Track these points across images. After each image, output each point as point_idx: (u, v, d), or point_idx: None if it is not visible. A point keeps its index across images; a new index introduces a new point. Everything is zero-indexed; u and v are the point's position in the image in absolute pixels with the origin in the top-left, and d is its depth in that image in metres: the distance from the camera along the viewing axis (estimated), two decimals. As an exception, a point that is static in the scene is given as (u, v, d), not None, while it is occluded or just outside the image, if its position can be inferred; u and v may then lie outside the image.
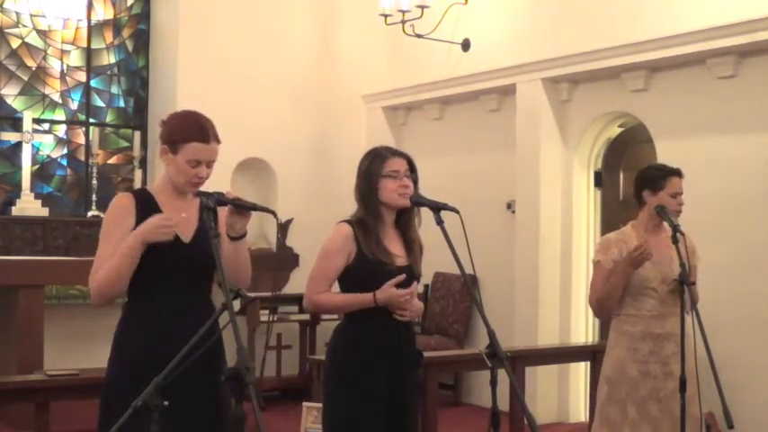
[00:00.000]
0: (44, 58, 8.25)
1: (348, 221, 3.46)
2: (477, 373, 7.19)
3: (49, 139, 8.25)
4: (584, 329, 7.24)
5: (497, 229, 7.58)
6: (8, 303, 6.05)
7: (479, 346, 3.01)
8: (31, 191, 7.84)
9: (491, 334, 2.89)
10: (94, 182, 8.10)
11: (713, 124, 6.26)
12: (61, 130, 8.34)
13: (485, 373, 2.91)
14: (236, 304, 2.53)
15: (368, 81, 8.70)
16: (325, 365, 3.58)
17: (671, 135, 6.48)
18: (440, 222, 3.14)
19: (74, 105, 8.38)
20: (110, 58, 8.54)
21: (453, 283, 7.92)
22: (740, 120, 6.11)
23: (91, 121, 8.39)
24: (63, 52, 8.36)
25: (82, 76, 8.41)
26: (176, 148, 2.93)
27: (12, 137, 7.97)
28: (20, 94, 8.13)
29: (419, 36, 7.84)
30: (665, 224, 4.08)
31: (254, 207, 2.93)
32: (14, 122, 8.00)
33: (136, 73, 8.64)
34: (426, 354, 4.26)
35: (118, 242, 2.89)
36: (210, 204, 2.75)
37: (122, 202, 2.97)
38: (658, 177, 4.17)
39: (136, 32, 8.63)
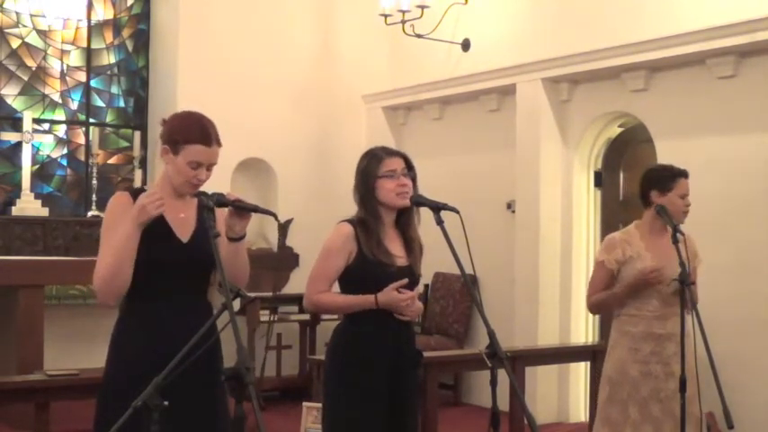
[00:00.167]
0: (44, 58, 8.25)
1: (349, 221, 3.46)
2: (477, 373, 7.19)
3: (49, 139, 8.25)
4: (584, 329, 7.24)
5: (497, 229, 7.58)
6: (8, 303, 6.05)
7: (479, 346, 3.01)
8: (31, 191, 7.84)
9: (491, 334, 2.89)
10: (94, 182, 8.10)
11: (713, 124, 6.26)
12: (61, 130, 8.34)
13: (485, 373, 2.91)
14: (236, 304, 2.53)
15: (368, 81, 8.70)
16: (325, 365, 3.58)
17: (671, 135, 6.48)
18: (440, 222, 3.14)
19: (74, 105, 8.38)
20: (110, 58, 8.54)
21: (453, 283, 7.92)
22: (740, 120, 6.11)
23: (91, 121, 8.39)
24: (63, 52, 8.36)
25: (82, 76, 8.41)
26: (177, 148, 2.92)
27: (12, 137, 7.97)
28: (20, 94, 8.14)
29: (419, 36, 7.84)
30: (675, 224, 4.07)
31: (256, 209, 2.93)
32: (14, 122, 8.00)
33: (136, 73, 8.64)
34: (426, 354, 4.26)
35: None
36: (210, 204, 2.75)
37: (121, 201, 2.97)
38: (667, 178, 4.17)
39: (136, 32, 8.63)
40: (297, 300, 7.66)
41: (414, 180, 3.48)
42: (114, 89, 8.56)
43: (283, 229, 8.27)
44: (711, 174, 6.06)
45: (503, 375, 2.81)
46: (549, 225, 7.21)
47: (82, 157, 8.34)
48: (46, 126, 8.23)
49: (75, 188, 8.35)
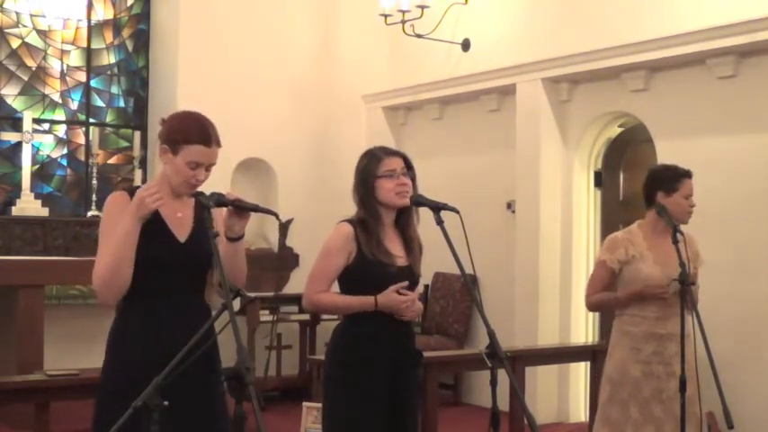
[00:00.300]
0: (44, 58, 8.25)
1: (349, 221, 3.46)
2: (477, 373, 7.19)
3: (49, 139, 8.25)
4: (584, 329, 7.24)
5: (497, 229, 7.58)
6: (8, 303, 6.05)
7: (479, 346, 3.00)
8: (31, 191, 7.84)
9: (491, 334, 2.89)
10: (94, 182, 8.10)
11: (713, 124, 6.26)
12: (61, 130, 8.35)
13: (485, 373, 2.91)
14: (236, 304, 2.52)
15: (368, 81, 8.70)
16: (324, 365, 3.58)
17: (671, 135, 6.48)
18: (440, 222, 3.14)
19: (74, 105, 8.38)
20: (110, 58, 8.54)
21: (453, 283, 7.92)
22: (740, 120, 6.11)
23: (91, 121, 8.39)
24: (63, 52, 8.36)
25: (82, 76, 8.41)
26: (177, 148, 2.91)
27: (12, 137, 7.97)
28: (20, 94, 8.14)
29: (419, 36, 7.84)
30: (674, 224, 4.07)
31: (256, 208, 2.92)
32: (14, 122, 8.00)
33: (136, 73, 8.64)
34: (426, 354, 4.26)
35: None
36: (210, 204, 2.74)
37: (118, 200, 2.96)
38: (673, 179, 4.18)
39: (136, 32, 8.63)
40: (297, 300, 7.65)
41: (413, 180, 3.48)
42: (114, 89, 8.56)
43: (283, 229, 8.27)
44: (711, 174, 6.06)
45: (503, 375, 2.81)
46: (549, 225, 7.21)
47: (82, 157, 8.34)
48: (46, 126, 8.23)
49: (75, 188, 8.35)
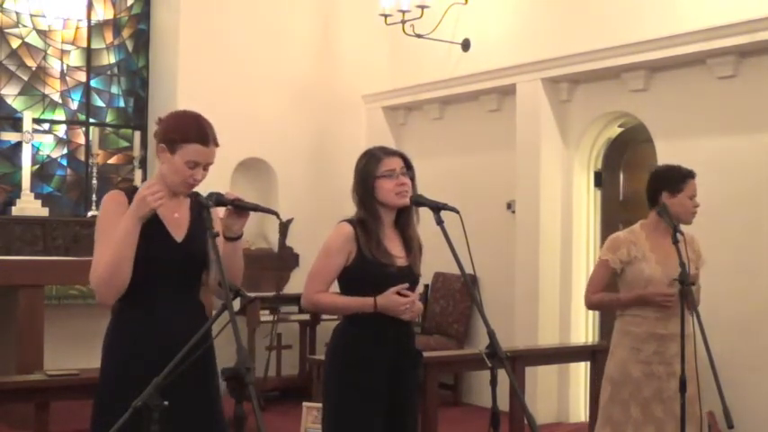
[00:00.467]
0: (44, 58, 8.25)
1: (349, 221, 3.46)
2: (477, 373, 7.19)
3: (49, 139, 8.25)
4: (584, 329, 7.24)
5: (497, 229, 7.58)
6: (8, 303, 6.05)
7: (479, 346, 3.01)
8: (31, 191, 7.84)
9: (491, 334, 2.89)
10: (94, 182, 8.11)
11: (713, 124, 6.26)
12: (61, 130, 8.35)
13: (485, 373, 2.92)
14: (236, 304, 2.52)
15: (368, 81, 8.70)
16: (324, 365, 3.58)
17: (671, 135, 6.48)
18: (440, 222, 3.14)
19: (74, 105, 8.38)
20: (110, 58, 8.54)
21: (453, 283, 7.92)
22: (740, 120, 6.11)
23: (91, 121, 8.40)
24: (63, 52, 8.36)
25: (82, 76, 8.41)
26: (174, 147, 2.91)
27: (12, 137, 7.97)
28: (20, 94, 8.14)
29: (419, 36, 7.84)
30: (674, 224, 4.07)
31: (256, 208, 2.92)
32: (14, 122, 8.00)
33: (136, 73, 8.64)
34: (426, 354, 4.26)
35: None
36: (209, 204, 2.74)
37: (115, 199, 2.95)
38: (678, 179, 4.18)
39: (136, 32, 8.64)
40: (297, 300, 7.57)
41: (412, 179, 3.48)
42: (114, 89, 8.56)
43: (283, 228, 8.27)
44: (711, 174, 6.05)
45: (503, 375, 2.81)
46: (549, 225, 7.21)
47: (82, 157, 8.34)
48: (46, 126, 8.23)
49: (75, 188, 8.35)
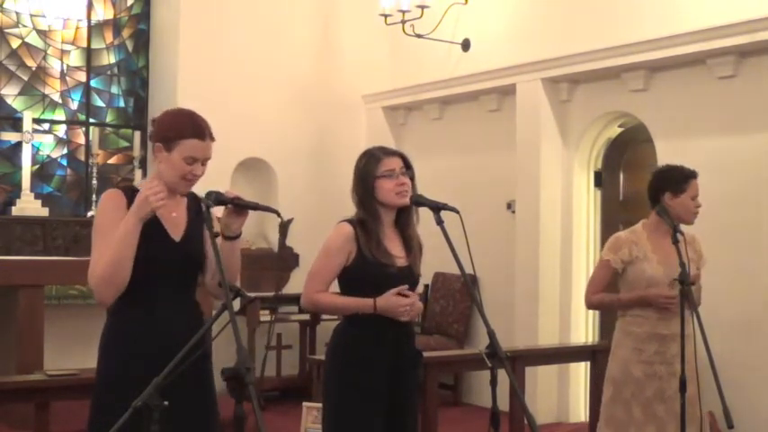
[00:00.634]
0: (44, 58, 8.25)
1: (349, 221, 3.46)
2: (477, 373, 7.19)
3: (49, 139, 8.25)
4: (584, 329, 7.24)
5: (497, 229, 7.58)
6: (8, 303, 6.05)
7: (479, 346, 3.01)
8: (31, 191, 7.84)
9: (491, 334, 2.89)
10: (94, 182, 8.10)
11: (713, 124, 6.26)
12: (61, 130, 8.35)
13: (485, 373, 2.92)
14: (236, 304, 2.52)
15: (368, 81, 8.71)
16: (325, 365, 3.58)
17: (671, 135, 6.48)
18: (440, 222, 3.14)
19: (74, 105, 8.38)
20: (110, 58, 8.54)
21: (453, 283, 7.92)
22: (740, 120, 6.11)
23: (91, 121, 8.40)
24: (63, 52, 8.36)
25: (82, 76, 8.41)
26: (171, 145, 2.90)
27: (12, 137, 7.97)
28: (20, 94, 8.14)
29: (419, 36, 7.84)
30: (675, 225, 4.07)
31: (256, 206, 2.91)
32: (14, 122, 8.00)
33: (136, 73, 8.64)
34: (426, 354, 4.26)
35: (114, 236, 2.84)
36: (211, 204, 2.74)
37: (113, 198, 2.94)
38: (681, 180, 4.18)
39: (136, 32, 8.64)
40: (297, 300, 7.52)
41: (412, 179, 3.48)
42: (114, 89, 8.56)
43: (283, 229, 8.27)
44: (711, 174, 6.04)
45: (503, 375, 2.81)
46: (549, 225, 7.21)
47: (82, 157, 8.34)
48: (46, 126, 8.23)
49: (75, 188, 8.35)
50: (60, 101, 8.31)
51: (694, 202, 4.19)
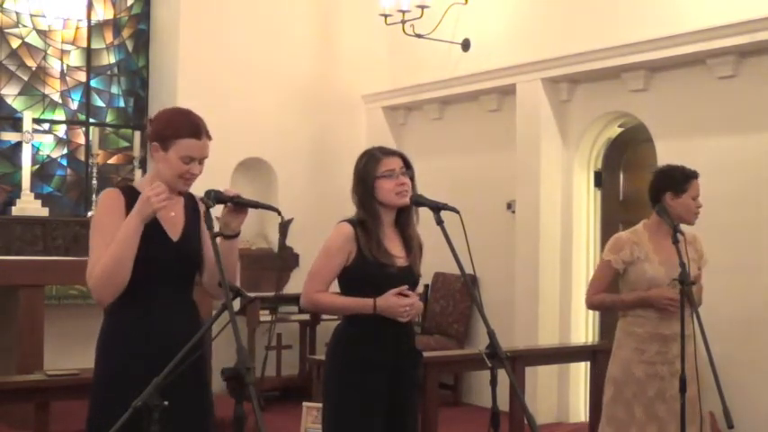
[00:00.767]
0: (44, 58, 8.25)
1: (349, 221, 3.46)
2: (477, 373, 7.19)
3: (49, 139, 8.24)
4: (584, 329, 7.24)
5: (497, 229, 7.58)
6: (8, 303, 6.05)
7: (479, 346, 3.01)
8: (31, 191, 7.84)
9: (491, 334, 2.89)
10: (94, 182, 8.10)
11: (713, 124, 6.26)
12: (61, 130, 8.34)
13: (485, 373, 2.92)
14: (236, 304, 2.52)
15: (368, 81, 8.71)
16: (325, 365, 3.58)
17: (671, 135, 6.48)
18: (440, 222, 3.14)
19: (74, 105, 8.38)
20: (110, 58, 8.54)
21: (453, 283, 7.92)
22: (740, 120, 6.11)
23: (91, 121, 8.39)
24: (63, 52, 8.36)
25: (82, 76, 8.41)
26: (168, 144, 2.90)
27: (12, 137, 7.96)
28: (20, 94, 8.13)
29: (419, 36, 7.84)
30: (675, 224, 4.07)
31: (257, 204, 2.90)
32: (14, 122, 8.00)
33: (136, 73, 8.64)
34: (426, 354, 4.26)
35: (114, 235, 2.83)
36: (211, 204, 2.73)
37: (112, 196, 2.94)
38: (681, 180, 4.17)
39: (136, 32, 8.63)
40: (297, 300, 7.52)
41: (412, 179, 3.48)
42: (114, 89, 8.56)
43: (283, 229, 8.27)
44: (711, 173, 6.03)
45: (503, 375, 2.81)
46: (549, 225, 7.21)
47: (82, 157, 8.34)
48: (46, 126, 8.23)
49: (75, 188, 8.35)
50: (60, 101, 8.31)
51: (695, 203, 4.20)
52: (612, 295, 4.27)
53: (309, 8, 8.63)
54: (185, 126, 2.91)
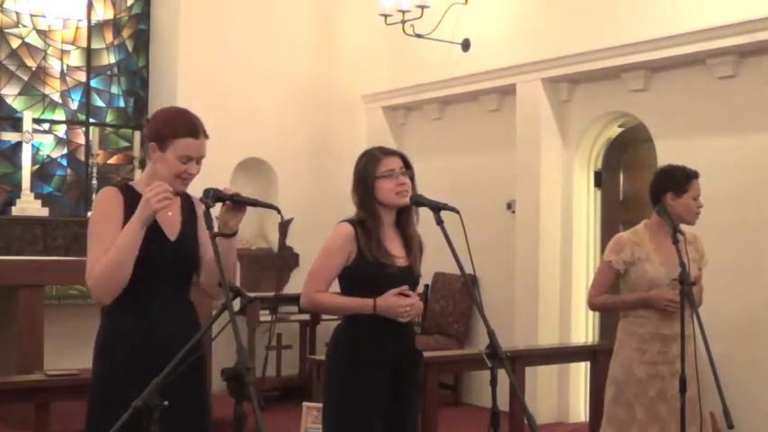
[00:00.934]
0: (44, 58, 8.25)
1: (350, 221, 3.46)
2: (477, 373, 7.19)
3: (49, 139, 8.24)
4: (584, 329, 7.24)
5: (497, 229, 7.58)
6: (8, 303, 6.05)
7: (479, 346, 3.01)
8: (31, 191, 7.84)
9: (491, 334, 2.89)
10: (94, 182, 8.10)
11: (713, 124, 6.26)
12: (61, 130, 8.34)
13: (485, 373, 2.92)
14: (236, 304, 2.52)
15: (368, 81, 8.71)
16: (325, 365, 3.58)
17: (671, 135, 6.48)
18: (440, 222, 3.14)
19: (74, 105, 8.38)
20: (110, 58, 8.54)
21: (453, 283, 7.92)
22: (740, 120, 6.11)
23: (91, 121, 8.39)
24: (63, 52, 8.36)
25: (82, 76, 8.41)
26: (165, 144, 2.89)
27: (12, 137, 7.96)
28: (20, 94, 8.13)
29: (419, 36, 7.84)
30: (675, 224, 4.07)
31: (256, 203, 2.89)
32: (14, 122, 8.00)
33: (136, 73, 8.64)
34: (426, 354, 4.26)
35: (112, 234, 2.83)
36: (212, 204, 2.73)
37: (109, 195, 2.94)
38: (682, 180, 4.18)
39: (136, 32, 8.63)
40: (297, 300, 7.53)
41: (412, 179, 3.48)
42: (114, 89, 8.56)
43: (283, 229, 8.27)
44: (711, 173, 6.03)
45: (503, 375, 2.81)
46: (549, 225, 7.21)
47: (82, 157, 8.34)
48: (46, 126, 8.23)
49: (75, 188, 8.35)
50: (60, 101, 8.31)
51: (696, 203, 4.20)
52: (614, 296, 4.27)
53: (309, 8, 8.63)
54: (183, 126, 2.91)
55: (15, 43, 8.12)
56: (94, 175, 8.13)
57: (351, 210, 3.52)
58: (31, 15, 8.22)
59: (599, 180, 7.32)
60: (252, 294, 2.91)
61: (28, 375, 4.87)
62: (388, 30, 7.95)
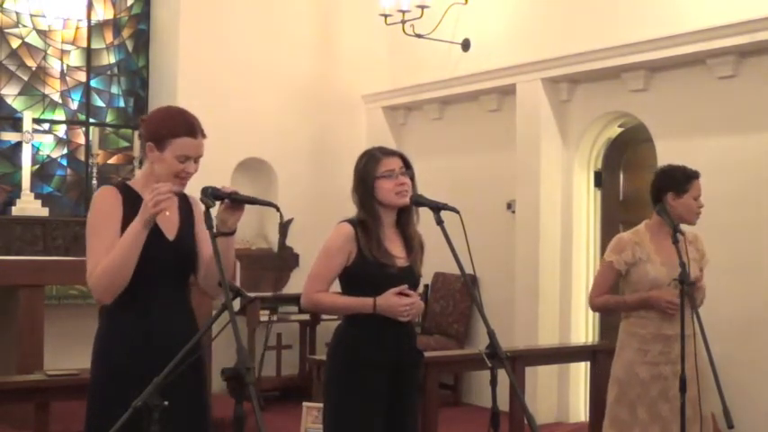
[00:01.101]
0: (44, 58, 8.25)
1: (350, 221, 3.46)
2: (477, 373, 7.19)
3: (49, 139, 8.24)
4: (584, 329, 7.24)
5: (497, 229, 7.58)
6: (8, 303, 6.05)
7: (479, 346, 3.01)
8: (31, 191, 7.84)
9: (491, 334, 2.89)
10: (94, 182, 8.10)
11: (713, 124, 6.26)
12: (61, 130, 8.34)
13: (485, 373, 2.92)
14: (236, 304, 2.52)
15: (368, 81, 8.71)
16: (325, 365, 3.58)
17: (671, 135, 6.48)
18: (440, 222, 3.14)
19: (74, 105, 8.38)
20: (110, 58, 8.54)
21: (453, 283, 7.92)
22: (740, 120, 6.11)
23: (91, 121, 8.39)
24: (63, 52, 8.36)
25: (82, 76, 8.41)
26: (163, 144, 2.88)
27: (12, 137, 7.96)
28: (20, 94, 8.13)
29: (419, 36, 7.84)
30: (675, 224, 4.06)
31: (255, 201, 2.88)
32: (14, 122, 8.00)
33: (136, 73, 8.64)
34: (426, 354, 4.26)
35: (112, 233, 2.83)
36: (212, 204, 2.72)
37: (108, 193, 2.94)
38: (683, 180, 4.18)
39: (136, 32, 8.63)
40: (297, 300, 7.52)
41: (412, 179, 3.48)
42: (114, 89, 8.56)
43: (283, 229, 8.27)
44: (712, 173, 6.03)
45: (503, 375, 2.81)
46: (549, 225, 7.21)
47: (82, 157, 8.34)
48: (46, 126, 8.23)
49: (75, 188, 8.35)
50: (60, 101, 8.31)
51: (697, 203, 4.20)
52: (616, 297, 4.27)
53: (309, 8, 8.63)
54: (181, 125, 2.90)
55: (15, 43, 8.12)
56: (94, 175, 8.13)
57: (351, 210, 3.52)
58: (31, 15, 8.22)
59: (599, 180, 7.32)
60: (252, 294, 2.91)
61: (28, 375, 4.87)
62: (388, 30, 7.95)
